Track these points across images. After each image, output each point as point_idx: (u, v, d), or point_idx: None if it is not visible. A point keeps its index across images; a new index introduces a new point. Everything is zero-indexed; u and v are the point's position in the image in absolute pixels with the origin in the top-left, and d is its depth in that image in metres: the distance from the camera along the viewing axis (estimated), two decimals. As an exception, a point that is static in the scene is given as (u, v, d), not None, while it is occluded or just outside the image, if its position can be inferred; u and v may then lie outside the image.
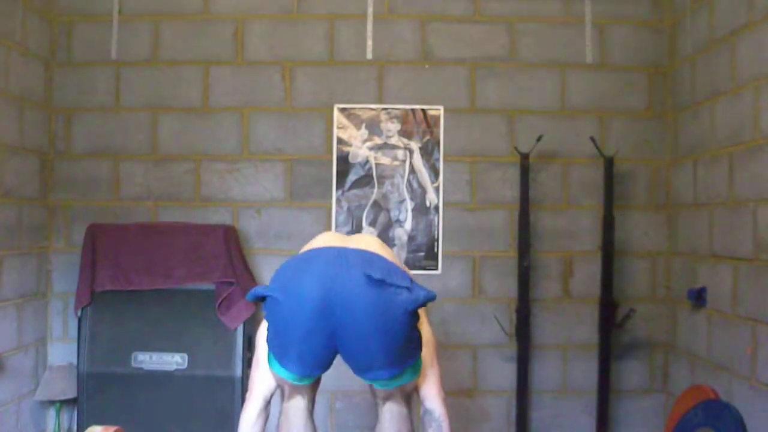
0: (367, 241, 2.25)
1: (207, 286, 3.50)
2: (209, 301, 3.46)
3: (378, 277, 1.94)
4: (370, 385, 2.19)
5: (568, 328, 3.80)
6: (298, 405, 2.20)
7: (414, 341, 2.08)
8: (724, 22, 3.21)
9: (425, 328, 2.22)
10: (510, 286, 3.74)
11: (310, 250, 2.13)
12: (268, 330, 2.11)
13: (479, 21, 3.85)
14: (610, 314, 3.64)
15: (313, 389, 2.25)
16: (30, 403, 3.58)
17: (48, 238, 3.78)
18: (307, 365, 2.07)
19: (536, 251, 3.76)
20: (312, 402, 2.25)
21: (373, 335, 1.97)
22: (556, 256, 3.80)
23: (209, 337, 3.47)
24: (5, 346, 3.35)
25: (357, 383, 3.64)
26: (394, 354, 2.02)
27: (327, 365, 2.10)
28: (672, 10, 3.77)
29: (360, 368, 2.07)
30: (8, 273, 3.37)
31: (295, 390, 2.19)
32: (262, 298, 2.04)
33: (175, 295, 3.51)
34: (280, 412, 2.22)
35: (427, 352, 2.19)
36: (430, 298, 2.00)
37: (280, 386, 2.21)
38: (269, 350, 2.13)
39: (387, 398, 2.18)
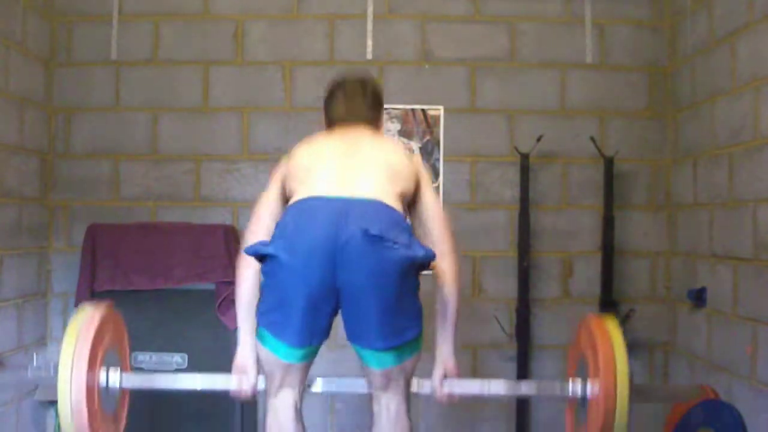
0: (378, 163, 2.15)
1: (207, 286, 3.50)
2: (209, 301, 3.46)
3: (374, 233, 1.91)
4: (366, 376, 2.15)
5: (568, 328, 3.79)
6: (287, 402, 2.13)
7: (411, 312, 2.04)
8: (724, 22, 3.21)
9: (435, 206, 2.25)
10: (510, 286, 3.74)
11: (309, 203, 2.02)
12: (264, 299, 2.06)
13: (479, 21, 3.85)
14: (610, 314, 3.63)
15: (304, 376, 2.16)
16: (30, 403, 3.58)
17: (48, 238, 3.78)
18: (308, 332, 2.02)
19: (536, 251, 3.76)
20: (301, 397, 2.17)
21: (368, 293, 1.95)
22: (556, 256, 3.80)
23: (209, 337, 3.47)
24: (5, 346, 3.35)
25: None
26: (389, 319, 1.99)
27: (327, 331, 2.07)
28: (672, 10, 3.77)
29: (355, 334, 2.03)
30: (8, 273, 3.37)
31: (287, 377, 2.10)
32: (261, 258, 2.01)
33: (175, 295, 3.51)
34: (267, 410, 2.16)
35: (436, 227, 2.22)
36: (429, 257, 1.98)
37: (268, 377, 2.14)
38: (262, 326, 2.06)
39: (384, 388, 2.12)
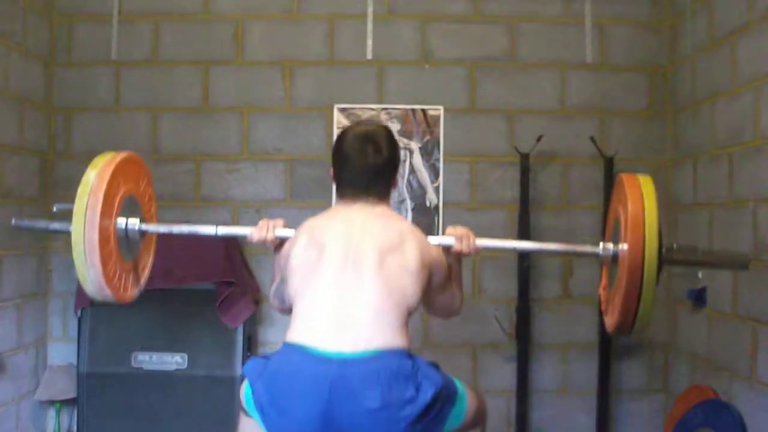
0: (383, 280, 1.97)
1: (207, 286, 3.50)
2: (209, 301, 3.46)
3: (377, 406, 1.83)
4: None
5: (568, 328, 3.80)
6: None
7: (439, 414, 1.94)
8: (724, 22, 3.21)
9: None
10: (510, 286, 3.74)
11: (297, 364, 1.90)
12: (253, 402, 2.00)
13: (479, 21, 3.85)
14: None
15: None
16: (30, 403, 3.58)
17: (48, 238, 3.78)
18: None
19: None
20: None
21: None
22: (556, 256, 3.80)
23: (209, 337, 3.47)
24: (5, 346, 3.35)
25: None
26: None
27: None
28: (672, 10, 3.77)
29: None
30: (8, 273, 3.37)
31: None
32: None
33: (175, 295, 3.51)
34: (240, 420, 2.16)
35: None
36: (438, 389, 1.91)
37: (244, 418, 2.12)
38: (253, 401, 2.00)
39: None
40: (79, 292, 3.53)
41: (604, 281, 2.35)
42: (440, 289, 2.19)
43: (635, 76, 3.83)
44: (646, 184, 2.07)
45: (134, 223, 2.26)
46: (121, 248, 2.22)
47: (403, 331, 1.95)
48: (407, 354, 1.93)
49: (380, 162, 2.16)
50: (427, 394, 1.88)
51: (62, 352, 3.76)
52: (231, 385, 3.43)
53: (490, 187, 3.82)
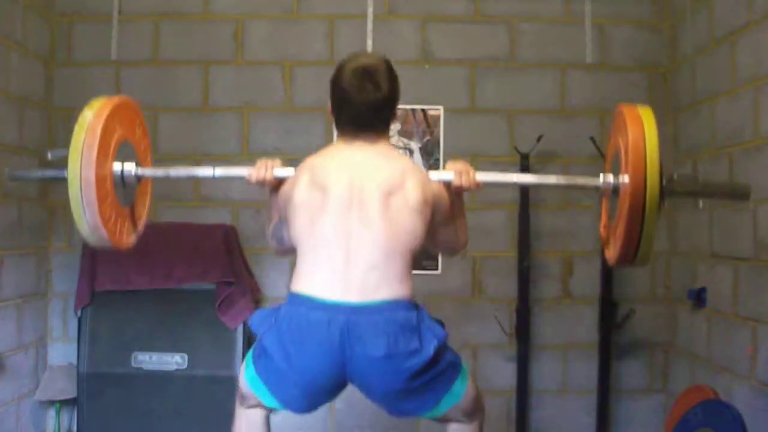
0: (388, 222, 1.97)
1: (207, 286, 3.50)
2: (209, 301, 3.47)
3: (381, 354, 1.88)
4: None
5: (568, 328, 3.80)
6: (258, 416, 2.11)
7: (439, 377, 1.99)
8: (724, 22, 3.21)
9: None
10: (510, 286, 3.74)
11: (308, 315, 1.92)
12: (260, 360, 2.02)
13: (479, 21, 3.85)
14: (610, 314, 3.64)
15: None
16: (30, 403, 3.58)
17: (48, 238, 3.78)
18: (309, 407, 2.03)
19: (536, 251, 3.76)
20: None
21: (391, 396, 1.97)
22: (556, 256, 3.80)
23: (209, 337, 3.48)
24: (5, 346, 3.35)
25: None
26: (420, 399, 1.99)
27: (318, 407, 2.08)
28: (672, 10, 3.77)
29: (386, 409, 2.05)
30: (8, 273, 3.37)
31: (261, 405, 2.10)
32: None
33: (175, 295, 3.51)
34: (237, 417, 2.15)
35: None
36: (441, 341, 1.95)
37: (242, 397, 2.11)
38: (258, 374, 2.03)
39: (445, 422, 2.11)
40: (79, 291, 3.53)
41: (604, 219, 2.33)
42: (443, 225, 2.17)
43: (635, 76, 3.83)
44: (645, 114, 2.03)
45: (130, 166, 2.22)
46: (117, 192, 2.19)
47: (408, 277, 1.98)
48: (412, 305, 1.97)
49: (380, 98, 2.12)
50: (430, 347, 1.92)
51: (62, 352, 3.76)
52: (231, 385, 3.40)
53: (490, 187, 3.81)
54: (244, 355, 3.44)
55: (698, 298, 3.37)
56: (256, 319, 2.04)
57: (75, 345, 3.56)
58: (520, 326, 3.68)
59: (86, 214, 2.04)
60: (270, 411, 2.13)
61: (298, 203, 2.03)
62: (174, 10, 3.83)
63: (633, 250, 2.01)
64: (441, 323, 2.02)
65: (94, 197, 2.03)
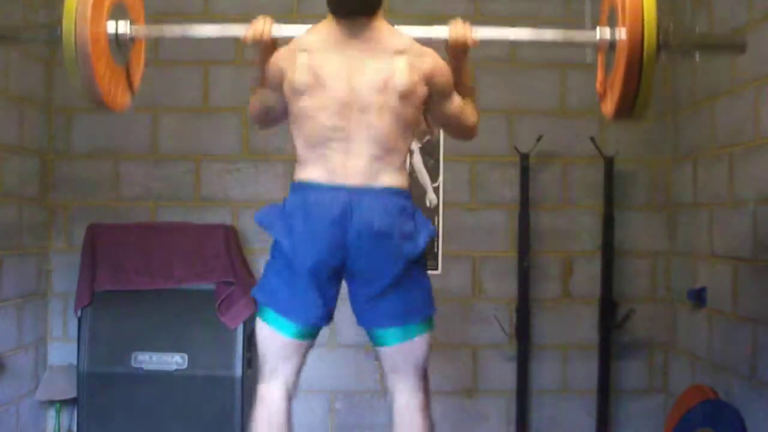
0: (382, 107, 2.08)
1: (207, 286, 3.50)
2: (209, 301, 3.46)
3: (384, 230, 2.02)
4: (380, 361, 2.18)
5: (568, 328, 3.80)
6: (278, 393, 2.13)
7: (419, 298, 2.14)
8: (724, 23, 3.21)
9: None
10: (510, 286, 3.74)
11: (314, 197, 2.05)
12: (268, 278, 2.14)
13: (479, 21, 3.83)
14: (610, 314, 3.64)
15: (300, 361, 2.16)
16: (30, 403, 3.58)
17: (48, 238, 3.78)
18: (314, 309, 2.08)
19: (536, 251, 3.76)
20: (295, 386, 2.18)
21: (373, 278, 2.06)
22: (556, 256, 3.80)
23: (209, 337, 3.47)
24: (5, 346, 3.34)
25: (357, 383, 3.64)
26: (396, 300, 2.08)
27: (331, 314, 2.14)
28: (672, 10, 3.77)
29: (363, 316, 2.12)
30: (8, 273, 3.37)
31: (284, 359, 2.12)
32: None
33: (175, 295, 3.51)
34: (257, 398, 2.16)
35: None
36: (431, 234, 2.13)
37: (263, 359, 2.15)
38: (264, 305, 2.13)
39: (395, 371, 2.14)
40: (79, 291, 3.53)
41: (600, 75, 2.35)
42: (447, 98, 2.27)
43: (635, 76, 3.82)
44: None
45: (124, 25, 2.20)
46: (112, 50, 2.17)
47: (405, 169, 2.14)
48: (409, 195, 2.14)
49: None
50: (422, 237, 2.09)
51: (62, 352, 3.76)
52: (231, 385, 3.44)
53: (490, 187, 3.82)
54: (244, 356, 3.46)
55: (698, 298, 3.37)
56: (264, 213, 2.16)
57: (75, 345, 3.55)
58: (520, 326, 3.68)
59: (82, 70, 2.05)
60: (292, 388, 2.14)
61: (296, 85, 2.10)
62: (174, 11, 3.82)
63: (631, 101, 2.08)
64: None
65: (90, 52, 2.03)
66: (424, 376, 2.18)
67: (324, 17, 4.04)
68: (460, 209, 3.80)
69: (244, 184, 3.82)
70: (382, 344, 2.14)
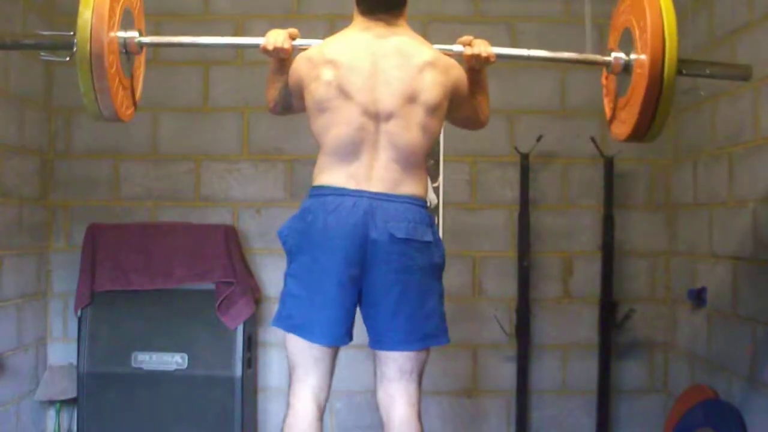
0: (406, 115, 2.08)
1: (207, 286, 3.50)
2: (209, 301, 3.46)
3: (401, 237, 2.02)
4: (378, 365, 2.18)
5: (568, 328, 3.80)
6: (309, 405, 2.19)
7: (433, 315, 2.12)
8: (724, 22, 3.21)
9: None
10: (510, 286, 3.74)
11: (336, 201, 2.05)
12: (287, 303, 2.13)
13: (479, 21, 3.85)
14: (610, 314, 3.64)
15: (330, 365, 2.19)
16: (30, 403, 3.58)
17: (48, 238, 3.78)
18: (336, 326, 2.08)
19: (536, 251, 3.76)
20: (326, 395, 2.24)
21: (391, 291, 2.05)
22: (556, 256, 3.80)
23: (209, 337, 3.47)
24: (5, 346, 3.34)
25: (357, 383, 3.64)
26: (412, 318, 2.07)
27: (349, 333, 2.13)
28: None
29: (377, 337, 2.12)
30: (8, 273, 3.37)
31: (311, 372, 2.15)
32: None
33: (175, 295, 3.51)
34: (288, 408, 2.19)
35: None
36: (443, 256, 2.14)
37: (293, 368, 2.18)
38: (290, 331, 2.13)
39: (397, 379, 2.14)
40: (79, 291, 3.53)
41: (609, 96, 2.40)
42: (464, 104, 2.25)
43: (635, 76, 3.83)
44: None
45: (133, 34, 2.18)
46: (122, 62, 2.16)
47: (424, 178, 2.15)
48: (426, 205, 2.15)
49: None
50: (437, 252, 2.11)
51: (62, 352, 3.76)
52: (231, 385, 3.44)
53: (490, 187, 3.82)
54: (244, 356, 3.46)
55: (698, 298, 3.37)
56: (286, 229, 2.17)
57: (75, 345, 3.55)
58: (520, 326, 3.68)
59: (96, 81, 2.03)
60: (322, 396, 2.22)
61: (319, 99, 2.09)
62: (174, 10, 3.82)
63: (647, 126, 2.08)
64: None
65: (105, 63, 2.01)
66: (420, 383, 2.19)
67: (324, 17, 4.06)
68: (460, 209, 3.80)
69: (244, 184, 3.82)
70: (389, 350, 2.13)
